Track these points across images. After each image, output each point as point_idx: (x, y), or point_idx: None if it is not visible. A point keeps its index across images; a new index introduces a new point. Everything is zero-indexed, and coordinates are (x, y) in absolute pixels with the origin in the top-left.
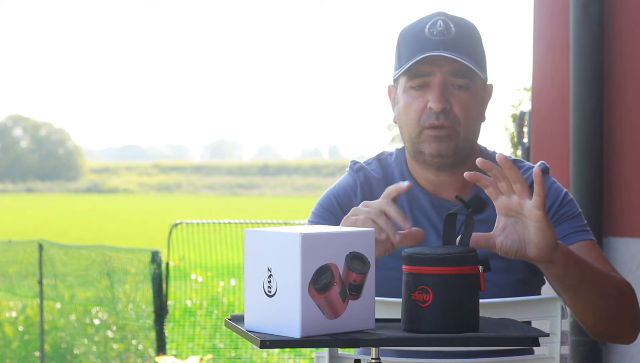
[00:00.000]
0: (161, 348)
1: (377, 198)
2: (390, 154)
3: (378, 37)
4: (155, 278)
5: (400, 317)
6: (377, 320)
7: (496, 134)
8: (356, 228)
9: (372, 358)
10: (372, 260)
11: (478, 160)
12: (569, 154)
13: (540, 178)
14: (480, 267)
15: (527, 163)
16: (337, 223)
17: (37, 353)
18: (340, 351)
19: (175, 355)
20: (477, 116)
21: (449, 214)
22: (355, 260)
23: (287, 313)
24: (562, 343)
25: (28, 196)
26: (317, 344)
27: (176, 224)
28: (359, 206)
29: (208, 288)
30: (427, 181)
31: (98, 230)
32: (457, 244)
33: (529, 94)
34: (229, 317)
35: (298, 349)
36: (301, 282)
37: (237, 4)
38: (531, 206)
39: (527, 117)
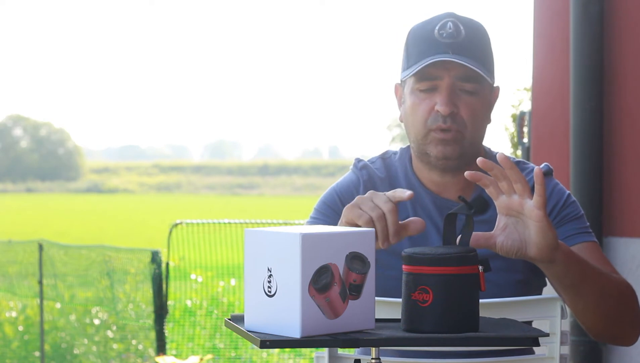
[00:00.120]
0: (161, 348)
1: None
2: (395, 153)
3: (378, 37)
4: (155, 278)
5: (400, 317)
6: (377, 320)
7: (496, 134)
8: (356, 228)
9: (372, 358)
10: (372, 260)
11: (479, 160)
12: (569, 154)
13: (541, 177)
14: (480, 267)
15: (531, 164)
16: (338, 220)
17: (37, 353)
18: (340, 351)
19: (175, 355)
20: (483, 119)
21: (449, 214)
22: (355, 260)
23: (287, 313)
24: (562, 343)
25: (28, 196)
26: (317, 344)
27: (176, 225)
28: (366, 196)
29: (208, 288)
30: (431, 181)
31: (98, 230)
32: (457, 244)
33: (529, 94)
34: (229, 317)
35: (298, 349)
36: (301, 282)
37: (237, 4)
38: (532, 206)
39: (527, 117)
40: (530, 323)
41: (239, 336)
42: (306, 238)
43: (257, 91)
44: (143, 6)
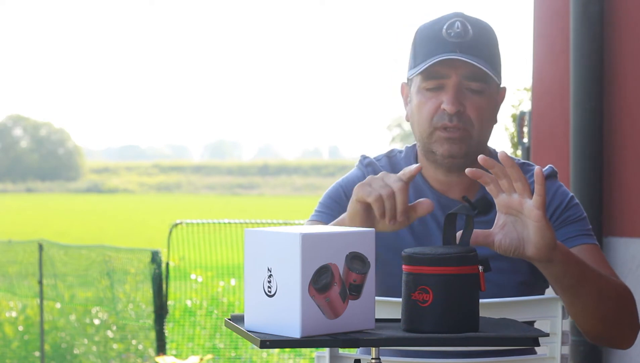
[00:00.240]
0: (161, 348)
1: None
2: (400, 151)
3: (378, 37)
4: (155, 278)
5: (400, 317)
6: (377, 320)
7: (496, 134)
8: (356, 228)
9: (372, 358)
10: (372, 260)
11: (480, 157)
12: (569, 154)
13: (541, 177)
14: (480, 267)
15: (536, 166)
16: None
17: (37, 353)
18: (341, 351)
19: (175, 355)
20: (489, 119)
21: (449, 214)
22: (355, 260)
23: (287, 313)
24: (563, 343)
25: (28, 196)
26: (317, 344)
27: (176, 225)
28: (377, 176)
29: (208, 288)
30: (436, 180)
31: (98, 230)
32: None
33: (529, 94)
34: (229, 317)
35: (298, 349)
36: (301, 282)
37: (237, 4)
38: (531, 206)
39: (527, 117)
40: (532, 323)
41: (239, 336)
42: (306, 238)
43: (257, 91)
44: (143, 6)
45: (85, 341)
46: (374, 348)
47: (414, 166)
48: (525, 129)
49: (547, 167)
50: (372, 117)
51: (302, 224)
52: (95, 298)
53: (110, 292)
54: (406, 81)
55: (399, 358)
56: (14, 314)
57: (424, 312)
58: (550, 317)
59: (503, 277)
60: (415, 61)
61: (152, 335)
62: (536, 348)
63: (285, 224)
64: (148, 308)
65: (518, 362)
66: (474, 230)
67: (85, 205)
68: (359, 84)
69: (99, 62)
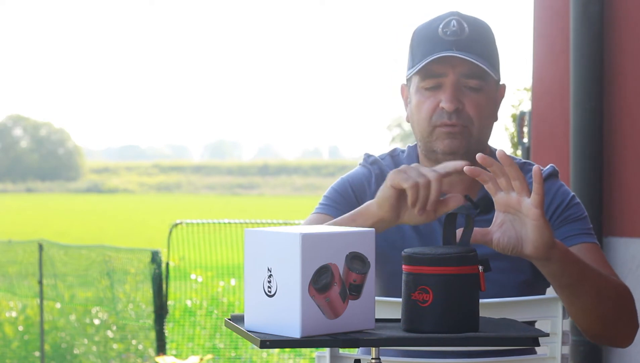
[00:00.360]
0: (161, 348)
1: None
2: (403, 151)
3: (378, 37)
4: (155, 278)
5: (400, 317)
6: (377, 320)
7: (496, 134)
8: (356, 228)
9: (372, 358)
10: (372, 260)
11: (478, 155)
12: (569, 154)
13: (540, 176)
14: (480, 267)
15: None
16: (348, 209)
17: (37, 353)
18: (341, 351)
19: (175, 355)
20: (489, 116)
21: (449, 214)
22: (355, 260)
23: (287, 313)
24: (563, 343)
25: (28, 196)
26: (317, 344)
27: (176, 225)
28: (413, 165)
29: (208, 288)
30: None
31: (98, 230)
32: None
33: (529, 94)
34: (229, 317)
35: (298, 349)
36: (301, 282)
37: (237, 4)
38: (529, 204)
39: (527, 117)
40: (533, 323)
41: (239, 336)
42: (306, 238)
43: (257, 91)
44: (143, 6)
45: (85, 341)
46: (374, 348)
47: (460, 162)
48: (525, 129)
49: (548, 166)
50: (372, 117)
51: (305, 220)
52: (95, 298)
53: (110, 292)
54: (405, 83)
55: (399, 358)
56: (14, 314)
57: (424, 312)
58: (551, 317)
59: (505, 276)
60: (413, 61)
61: (152, 335)
62: (536, 348)
63: (285, 224)
64: (148, 308)
65: (518, 362)
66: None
67: (85, 205)
68: (359, 84)
69: (99, 62)
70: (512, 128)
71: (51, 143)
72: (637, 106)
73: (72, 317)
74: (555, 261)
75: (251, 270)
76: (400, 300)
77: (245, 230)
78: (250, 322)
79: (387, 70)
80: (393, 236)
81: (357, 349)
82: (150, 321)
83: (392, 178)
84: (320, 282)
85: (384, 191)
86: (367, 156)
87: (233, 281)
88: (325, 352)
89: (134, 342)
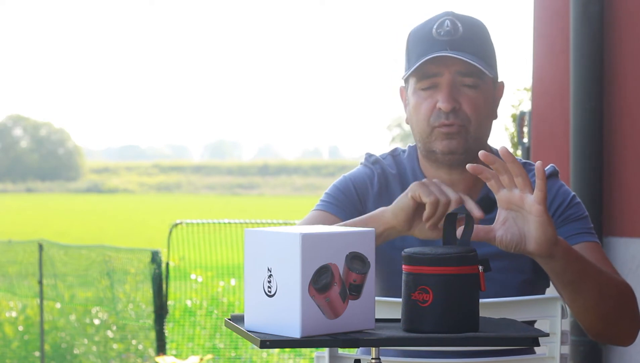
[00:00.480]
0: (161, 348)
1: (393, 192)
2: (404, 151)
3: (378, 37)
4: (155, 278)
5: (400, 317)
6: (377, 320)
7: (496, 134)
8: (356, 228)
9: (372, 358)
10: (372, 260)
11: (480, 153)
12: (569, 154)
13: (542, 172)
14: (480, 267)
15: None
16: (350, 207)
17: (37, 353)
18: (341, 351)
19: (175, 355)
20: (487, 114)
21: (449, 214)
22: (355, 260)
23: (287, 313)
24: (562, 343)
25: (28, 196)
26: (317, 344)
27: (176, 225)
28: (435, 181)
29: (208, 288)
30: (439, 180)
31: (98, 230)
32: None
33: (529, 94)
34: (229, 317)
35: (298, 349)
36: (301, 282)
37: (237, 4)
38: (532, 201)
39: (527, 117)
40: (533, 323)
41: (239, 336)
42: (306, 238)
43: (257, 91)
44: (143, 6)
45: (85, 341)
46: (374, 348)
47: (478, 213)
48: (525, 129)
49: (548, 166)
50: (372, 117)
51: (305, 216)
52: (95, 298)
53: (110, 292)
54: (404, 85)
55: (399, 358)
56: (14, 314)
57: (424, 312)
58: (550, 317)
59: (506, 276)
60: (409, 63)
61: (152, 335)
62: (536, 348)
63: (285, 224)
64: (148, 308)
65: (517, 361)
66: (475, 226)
67: (85, 205)
68: (359, 84)
69: (98, 62)
70: (512, 128)
71: (51, 143)
72: (637, 106)
73: (72, 317)
74: (558, 258)
75: (251, 270)
76: (400, 300)
77: (245, 230)
78: (250, 322)
79: (387, 70)
80: None
81: (356, 349)
82: (150, 321)
83: (415, 189)
84: (320, 282)
85: (403, 200)
86: (369, 155)
87: (233, 281)
88: (325, 352)
89: (134, 342)
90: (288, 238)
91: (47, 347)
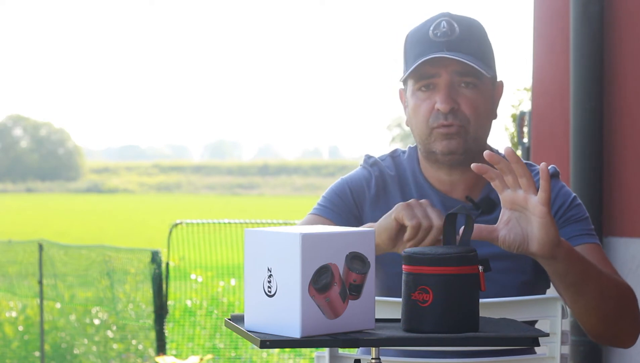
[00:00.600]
0: (161, 348)
1: (391, 194)
2: (403, 152)
3: (378, 37)
4: (155, 278)
5: (400, 317)
6: (377, 320)
7: (496, 134)
8: (356, 228)
9: (372, 358)
10: (372, 260)
11: (485, 153)
12: (569, 154)
13: (547, 173)
14: (480, 267)
15: (539, 166)
16: (346, 211)
17: (37, 353)
18: (341, 351)
19: (175, 355)
20: (486, 113)
21: (449, 214)
22: (355, 260)
23: (287, 313)
24: (563, 343)
25: (28, 196)
26: (317, 344)
27: (176, 225)
28: (422, 202)
29: (208, 288)
30: (439, 181)
31: (98, 230)
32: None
33: (529, 94)
34: (229, 317)
35: (298, 349)
36: (301, 282)
37: (237, 4)
38: (536, 202)
39: (527, 117)
40: (534, 323)
41: (239, 336)
42: (306, 238)
43: (257, 91)
44: (143, 6)
45: (85, 341)
46: (374, 348)
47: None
48: (525, 129)
49: (550, 167)
50: (372, 117)
51: (302, 220)
52: (95, 298)
53: (110, 292)
54: (403, 87)
55: (399, 358)
56: (14, 314)
57: (424, 312)
58: (550, 317)
59: (506, 277)
60: (406, 65)
61: (152, 335)
62: (536, 348)
63: (285, 224)
64: (148, 308)
65: (517, 361)
66: (478, 225)
67: (85, 205)
68: (359, 84)
69: (98, 62)
70: (512, 128)
71: (51, 143)
72: (637, 106)
73: (72, 317)
74: (560, 259)
75: (251, 270)
76: (400, 300)
77: (245, 230)
78: (250, 322)
79: (387, 70)
80: None
81: (357, 349)
82: (150, 321)
83: (399, 211)
84: (320, 282)
85: (387, 221)
86: (368, 157)
87: (233, 281)
88: (325, 352)
89: (134, 342)
90: (288, 238)
91: (47, 347)
